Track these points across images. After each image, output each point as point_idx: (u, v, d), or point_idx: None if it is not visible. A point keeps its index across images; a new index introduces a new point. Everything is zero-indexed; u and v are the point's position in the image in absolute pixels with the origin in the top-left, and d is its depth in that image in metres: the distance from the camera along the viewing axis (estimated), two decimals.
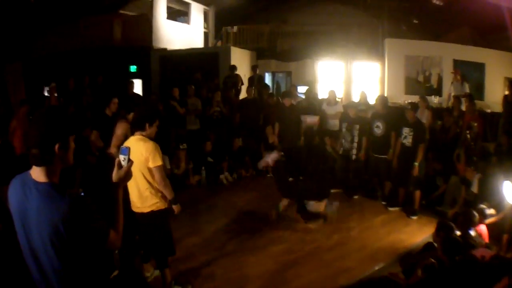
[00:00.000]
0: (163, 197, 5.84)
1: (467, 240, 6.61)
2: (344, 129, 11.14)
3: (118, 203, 3.13)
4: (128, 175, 3.18)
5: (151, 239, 6.12)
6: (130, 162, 3.17)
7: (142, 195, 5.73)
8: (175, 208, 5.96)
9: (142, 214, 5.83)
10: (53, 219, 2.73)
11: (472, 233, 6.88)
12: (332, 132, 11.85)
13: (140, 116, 5.80)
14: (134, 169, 5.61)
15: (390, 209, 9.94)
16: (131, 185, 5.68)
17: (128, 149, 3.19)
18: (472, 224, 7.07)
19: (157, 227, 5.93)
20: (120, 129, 6.75)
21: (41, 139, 2.81)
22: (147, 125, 5.66)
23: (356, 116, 11.07)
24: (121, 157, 3.17)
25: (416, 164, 9.33)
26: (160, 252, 6.12)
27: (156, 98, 13.55)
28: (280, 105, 12.98)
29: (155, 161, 5.54)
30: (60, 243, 2.77)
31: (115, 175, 3.13)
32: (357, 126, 10.84)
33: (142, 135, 5.67)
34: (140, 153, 5.47)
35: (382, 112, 10.40)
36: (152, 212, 5.79)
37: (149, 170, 5.60)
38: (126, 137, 6.21)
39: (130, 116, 7.08)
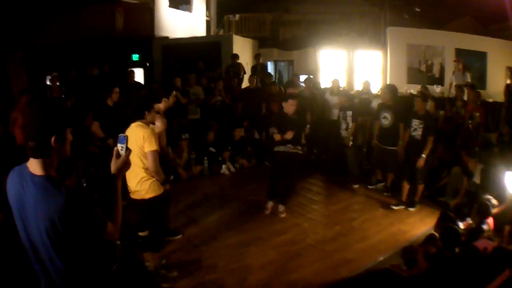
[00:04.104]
0: (160, 183, 5.97)
1: (479, 231, 6.64)
2: (341, 119, 11.07)
3: (117, 195, 3.14)
4: (126, 164, 3.19)
5: (145, 224, 6.28)
6: (128, 151, 3.17)
7: (139, 181, 5.86)
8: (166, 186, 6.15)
9: (139, 200, 5.96)
10: (49, 212, 2.74)
11: (485, 227, 6.88)
12: (334, 122, 11.80)
13: (138, 105, 5.93)
14: (132, 155, 5.69)
15: (393, 207, 9.58)
16: (129, 170, 5.75)
17: (126, 137, 3.19)
18: (488, 214, 7.09)
19: (152, 213, 6.09)
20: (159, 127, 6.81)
21: (37, 131, 2.82)
22: (146, 112, 5.81)
23: (348, 104, 11.03)
24: (119, 146, 3.17)
25: (424, 156, 9.11)
26: (156, 235, 6.31)
27: (158, 86, 13.52)
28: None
29: (150, 146, 5.66)
30: (56, 236, 2.78)
31: (113, 164, 3.15)
32: (350, 113, 10.79)
33: (142, 122, 5.81)
34: (138, 139, 5.64)
35: (390, 103, 10.10)
36: (148, 198, 5.92)
37: (145, 156, 5.74)
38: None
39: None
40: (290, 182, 9.24)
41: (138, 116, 5.83)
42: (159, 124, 6.81)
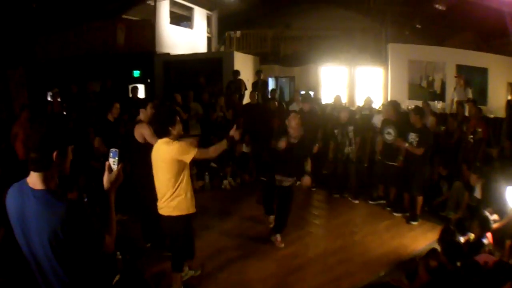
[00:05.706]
0: (189, 200, 5.87)
1: (479, 245, 6.63)
2: (339, 135, 10.93)
3: (110, 208, 3.18)
4: (118, 178, 3.21)
5: (172, 241, 6.14)
6: (119, 164, 3.19)
7: (167, 199, 5.73)
8: (234, 134, 5.95)
9: (165, 216, 5.84)
10: (51, 223, 2.77)
11: (485, 241, 6.87)
12: (336, 137, 11.75)
13: (161, 123, 5.71)
14: (161, 172, 5.65)
15: (395, 214, 9.89)
16: (157, 187, 5.80)
17: (117, 151, 3.20)
18: (489, 228, 7.08)
19: (179, 231, 5.95)
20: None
21: (40, 144, 2.88)
22: (170, 128, 5.60)
23: (347, 119, 10.87)
24: (111, 160, 3.19)
25: (401, 158, 9.55)
26: (178, 255, 6.15)
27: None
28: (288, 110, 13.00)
29: (189, 155, 5.51)
30: (59, 247, 2.82)
31: (105, 178, 3.18)
32: (351, 128, 10.76)
33: (169, 138, 5.62)
34: (165, 156, 5.53)
35: (394, 119, 10.20)
36: (175, 216, 5.79)
37: (176, 173, 5.60)
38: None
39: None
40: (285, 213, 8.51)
41: (163, 133, 5.65)
42: (148, 132, 6.90)
